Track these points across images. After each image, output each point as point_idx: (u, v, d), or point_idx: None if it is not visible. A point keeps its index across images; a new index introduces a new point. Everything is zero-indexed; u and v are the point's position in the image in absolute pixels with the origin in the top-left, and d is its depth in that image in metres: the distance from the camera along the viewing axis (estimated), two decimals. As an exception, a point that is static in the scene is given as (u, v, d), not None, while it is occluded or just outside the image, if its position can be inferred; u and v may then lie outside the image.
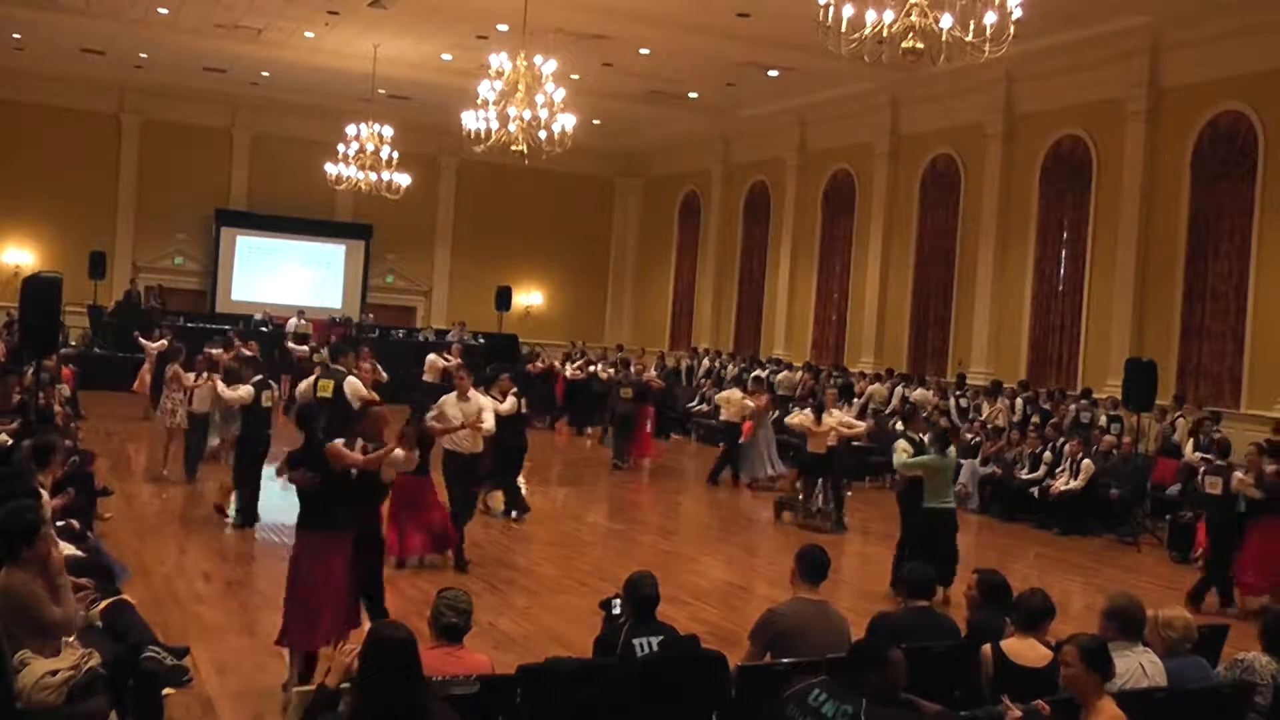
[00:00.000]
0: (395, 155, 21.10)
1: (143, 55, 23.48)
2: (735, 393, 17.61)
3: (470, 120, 15.78)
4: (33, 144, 25.64)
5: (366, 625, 6.24)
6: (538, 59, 15.23)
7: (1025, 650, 5.31)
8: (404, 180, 21.71)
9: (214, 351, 15.57)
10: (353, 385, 11.49)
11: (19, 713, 4.70)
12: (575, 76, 19.74)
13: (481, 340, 25.42)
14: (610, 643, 5.58)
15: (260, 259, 28.24)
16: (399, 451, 7.45)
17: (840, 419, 14.13)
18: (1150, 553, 13.44)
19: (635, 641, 5.47)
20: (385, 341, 24.19)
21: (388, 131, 21.09)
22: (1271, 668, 5.41)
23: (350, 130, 21.16)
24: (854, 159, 23.36)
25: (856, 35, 9.19)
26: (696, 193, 28.96)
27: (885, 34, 9.15)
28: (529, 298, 30.67)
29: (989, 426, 16.96)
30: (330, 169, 22.02)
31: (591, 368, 22.09)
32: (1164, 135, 17.12)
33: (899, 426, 17.73)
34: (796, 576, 5.92)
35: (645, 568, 6.01)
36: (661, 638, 5.54)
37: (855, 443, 18.24)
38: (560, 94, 15.41)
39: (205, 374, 13.15)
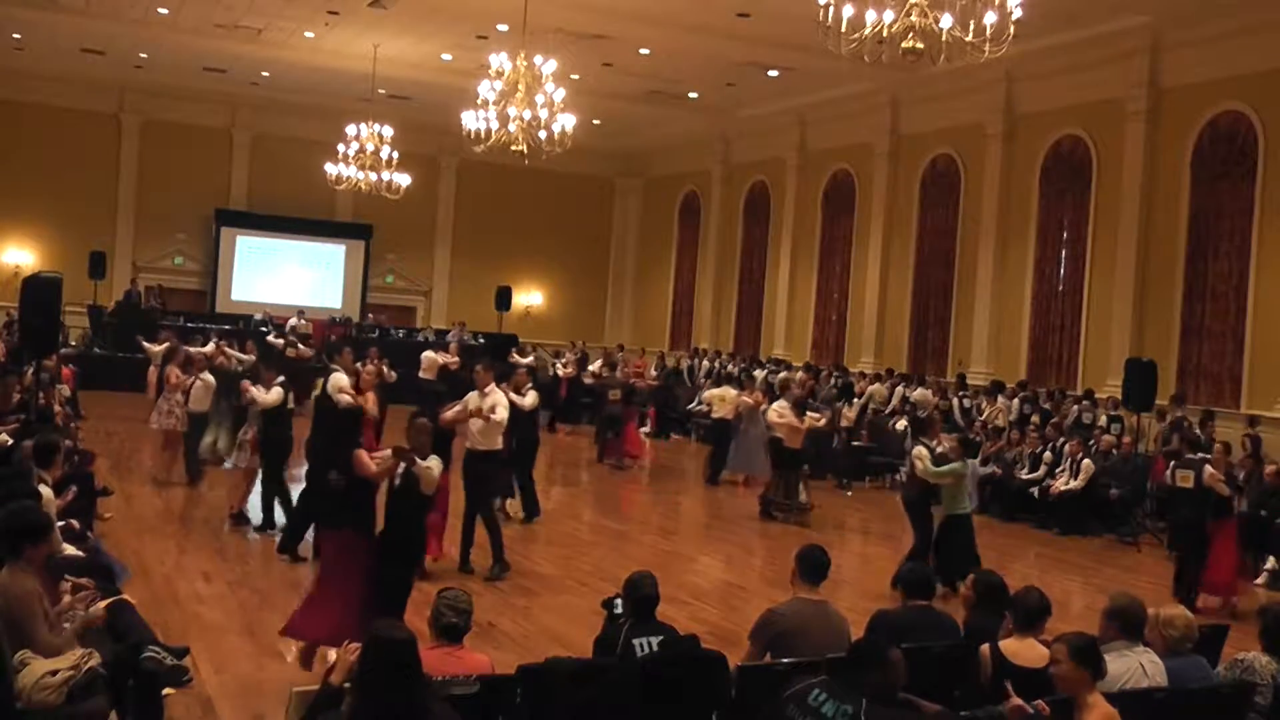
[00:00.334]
0: (395, 155, 21.08)
1: (143, 55, 23.48)
2: (728, 390, 17.45)
3: (470, 120, 15.78)
4: (33, 144, 25.63)
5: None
6: (538, 59, 15.23)
7: (1024, 650, 5.31)
8: (404, 180, 21.70)
9: (193, 350, 15.51)
10: (335, 382, 11.38)
11: (19, 713, 4.71)
12: (575, 76, 19.73)
13: (481, 340, 25.40)
14: (610, 643, 5.58)
15: (260, 259, 28.22)
16: (424, 464, 7.25)
17: (778, 409, 14.00)
18: (1150, 553, 13.44)
19: (635, 641, 5.48)
20: (385, 341, 24.15)
21: (388, 131, 21.07)
22: (1271, 668, 5.41)
23: (350, 130, 21.14)
24: (854, 159, 23.34)
25: (856, 35, 9.19)
26: (696, 193, 28.95)
27: (885, 34, 9.15)
28: (529, 298, 30.65)
29: (989, 426, 16.97)
30: (330, 169, 22.00)
31: (589, 367, 22.12)
32: (1164, 135, 17.11)
33: (899, 426, 17.85)
34: (796, 576, 5.93)
35: (645, 567, 6.03)
36: (661, 638, 5.54)
37: (855, 443, 18.36)
38: (560, 94, 15.41)
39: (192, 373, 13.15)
